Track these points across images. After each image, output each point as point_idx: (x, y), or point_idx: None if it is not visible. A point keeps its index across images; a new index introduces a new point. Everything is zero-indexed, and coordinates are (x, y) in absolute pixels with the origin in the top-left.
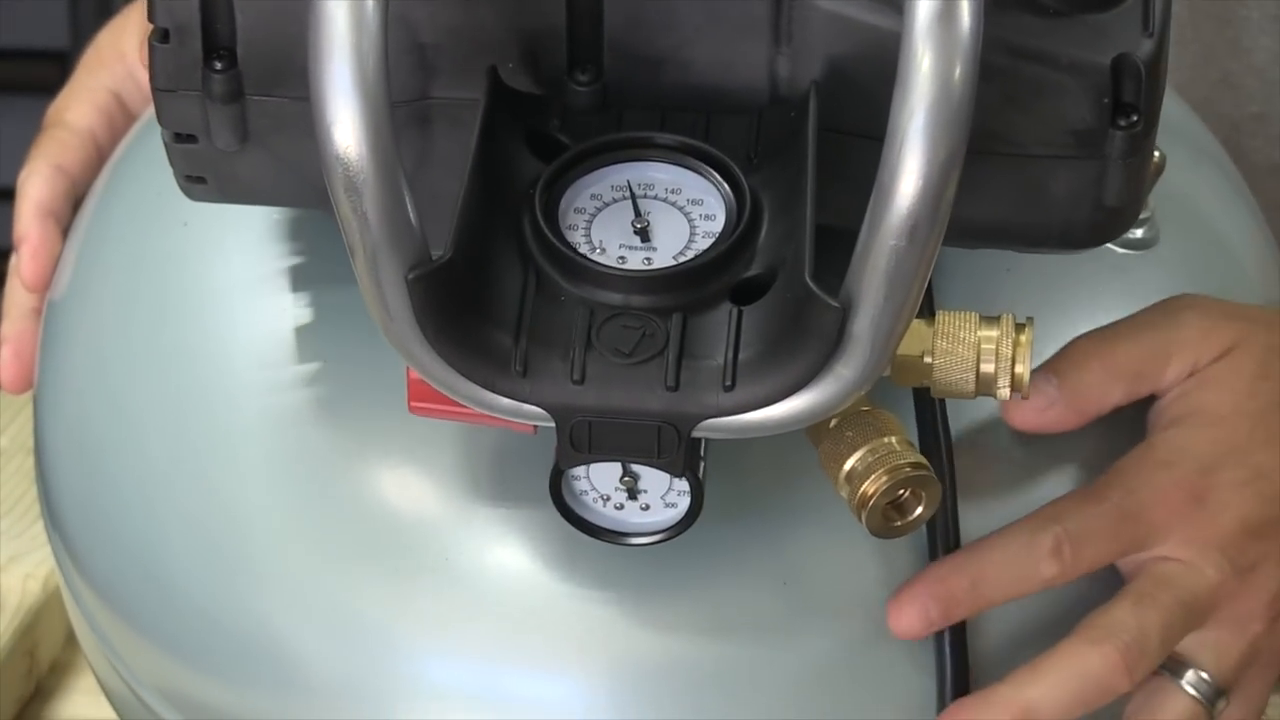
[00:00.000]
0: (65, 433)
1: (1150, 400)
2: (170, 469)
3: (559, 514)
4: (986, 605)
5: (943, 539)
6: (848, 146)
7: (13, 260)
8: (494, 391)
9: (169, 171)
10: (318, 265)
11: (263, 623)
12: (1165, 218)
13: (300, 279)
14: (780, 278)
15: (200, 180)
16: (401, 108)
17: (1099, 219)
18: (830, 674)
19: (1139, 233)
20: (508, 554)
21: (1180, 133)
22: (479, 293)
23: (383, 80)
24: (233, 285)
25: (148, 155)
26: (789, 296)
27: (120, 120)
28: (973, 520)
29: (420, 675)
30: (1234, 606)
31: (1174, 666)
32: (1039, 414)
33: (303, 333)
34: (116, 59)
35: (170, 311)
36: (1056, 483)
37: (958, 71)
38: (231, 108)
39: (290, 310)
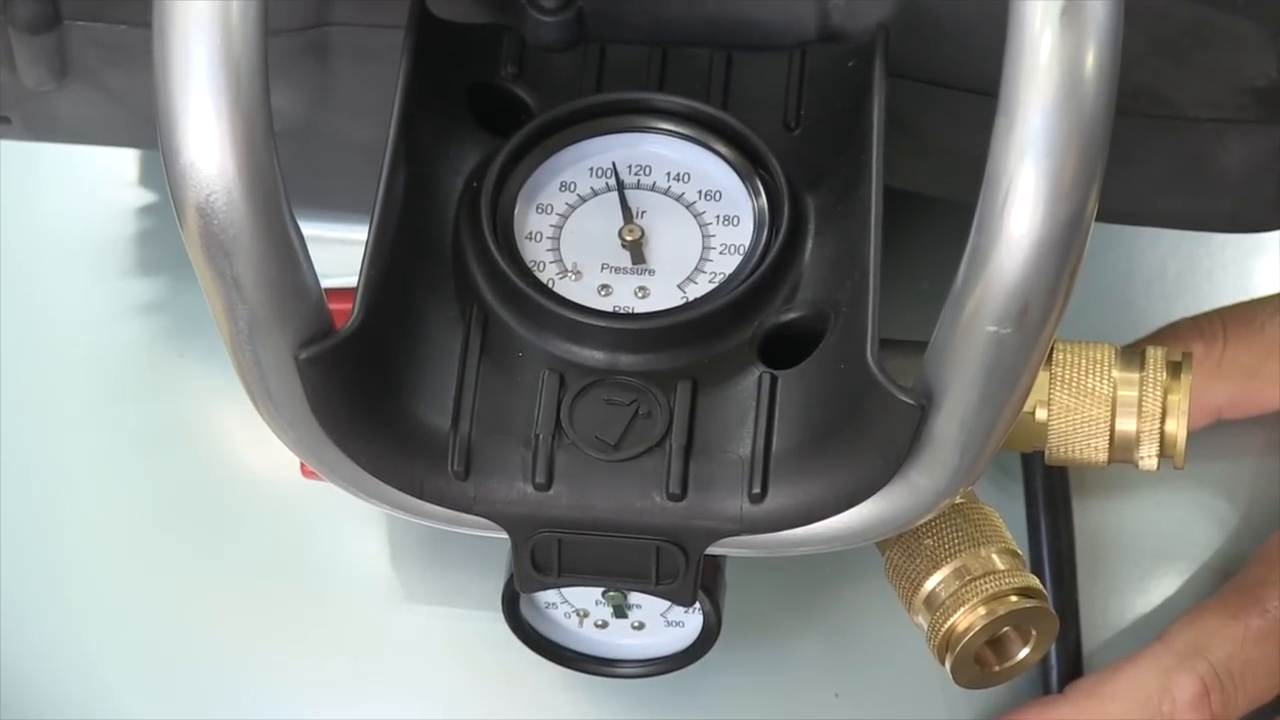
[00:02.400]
0: None
1: None
2: None
3: (515, 635)
4: None
5: (1060, 663)
6: (924, 97)
7: None
8: (423, 498)
9: None
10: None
11: (79, 679)
12: None
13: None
14: (831, 332)
15: (3, 120)
16: (289, 37)
17: None
18: None
19: None
20: (434, 601)
21: None
22: (400, 365)
23: (262, 94)
24: (54, 213)
25: None
26: (843, 366)
27: None
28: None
29: None
30: None
31: None
32: None
33: (144, 278)
34: None
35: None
36: (1202, 538)
37: (1090, 101)
38: (45, 38)
39: (129, 251)
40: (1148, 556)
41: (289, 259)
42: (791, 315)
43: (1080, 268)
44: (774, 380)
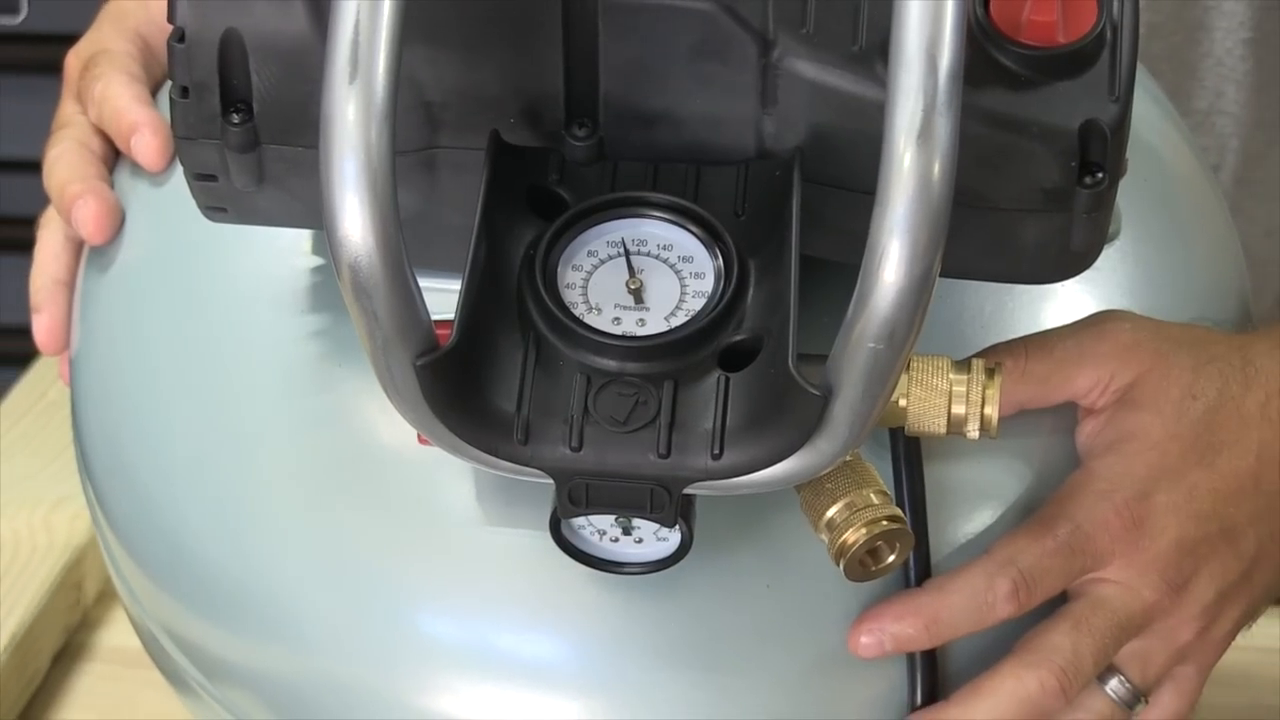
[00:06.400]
0: (97, 391)
1: (1071, 410)
2: (189, 432)
3: (559, 548)
4: (940, 642)
5: (917, 568)
6: (826, 195)
7: (134, 141)
8: (498, 457)
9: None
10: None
11: (266, 576)
12: (1128, 208)
13: (313, 269)
14: (765, 348)
15: (221, 209)
16: (409, 156)
17: (1064, 261)
18: (807, 674)
19: None
20: (506, 525)
21: (1148, 121)
22: (483, 369)
23: (391, 190)
24: (253, 271)
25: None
26: (773, 371)
27: (147, 54)
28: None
29: (412, 630)
30: (1166, 620)
31: (1101, 673)
32: None
33: (313, 315)
34: (139, 6)
35: (196, 293)
36: (1012, 487)
37: (937, 195)
38: (249, 156)
39: (303, 297)
40: (975, 498)
41: (409, 299)
42: (739, 337)
43: (930, 306)
44: (727, 380)
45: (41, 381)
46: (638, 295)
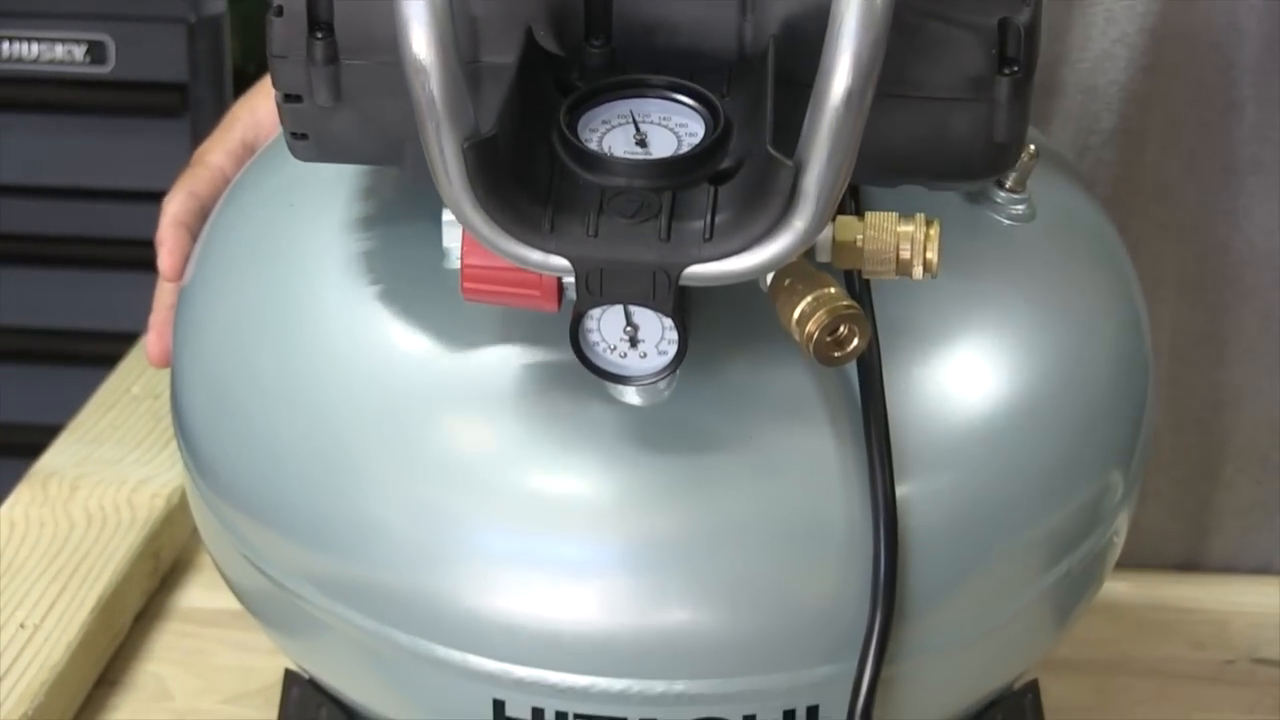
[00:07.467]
0: (199, 370)
1: None
2: (283, 398)
3: (577, 359)
4: None
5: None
6: (799, 95)
7: (159, 252)
8: (527, 245)
9: (276, 180)
10: (397, 242)
11: (357, 510)
12: (1039, 200)
13: (385, 252)
14: (746, 164)
15: (303, 137)
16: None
17: (990, 153)
18: (786, 498)
19: (1021, 209)
20: (547, 454)
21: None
22: (518, 169)
23: (446, 4)
24: (331, 259)
25: (257, 176)
26: (753, 175)
27: (247, 160)
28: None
29: (477, 544)
30: None
31: None
32: None
33: (387, 295)
34: (249, 114)
35: (281, 278)
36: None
37: (878, 14)
38: (329, 69)
39: (376, 278)
40: (916, 327)
41: (458, 84)
42: (725, 165)
43: (878, 75)
44: (716, 190)
45: (126, 379)
46: (642, 144)
